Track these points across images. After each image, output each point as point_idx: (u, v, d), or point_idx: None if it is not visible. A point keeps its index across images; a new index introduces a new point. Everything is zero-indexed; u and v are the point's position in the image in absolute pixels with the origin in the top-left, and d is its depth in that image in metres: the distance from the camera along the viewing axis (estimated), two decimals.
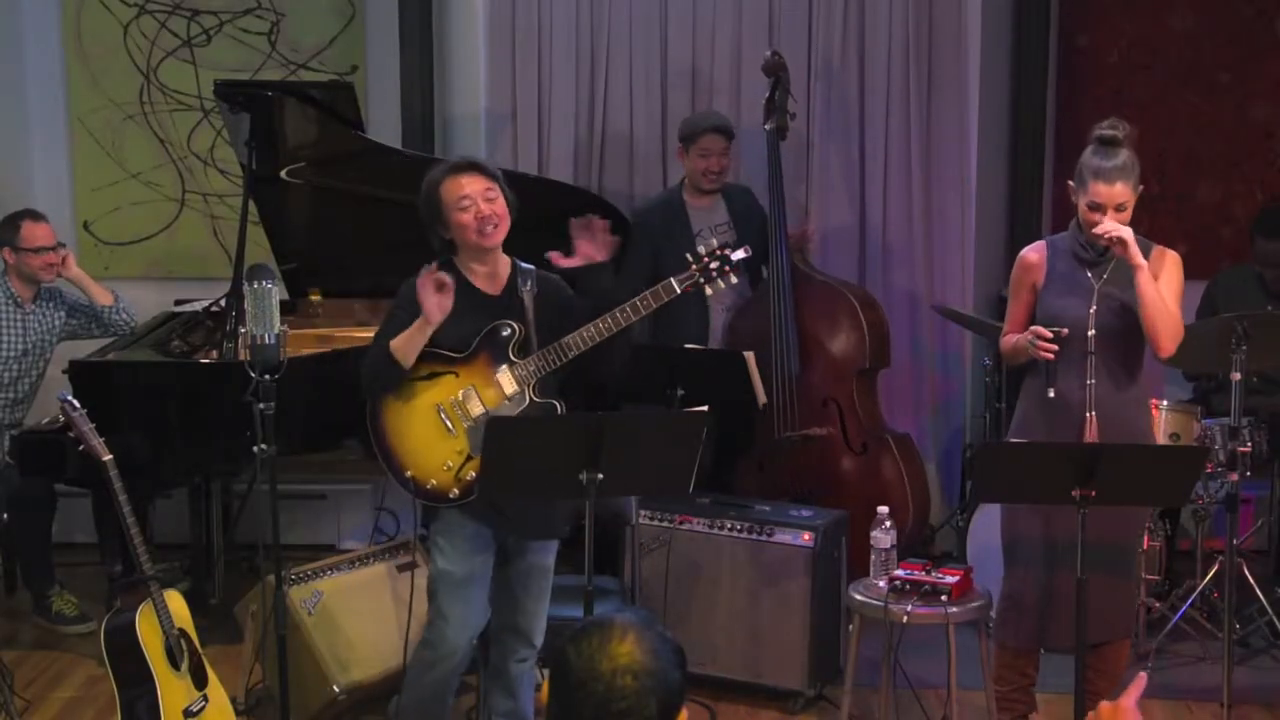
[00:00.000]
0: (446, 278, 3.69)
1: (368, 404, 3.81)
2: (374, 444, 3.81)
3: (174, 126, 6.20)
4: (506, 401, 3.77)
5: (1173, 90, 5.98)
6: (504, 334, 3.78)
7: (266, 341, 3.74)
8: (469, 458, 3.75)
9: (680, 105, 5.93)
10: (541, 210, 5.30)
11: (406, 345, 3.71)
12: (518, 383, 3.77)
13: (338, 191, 5.35)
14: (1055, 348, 3.88)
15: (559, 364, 3.76)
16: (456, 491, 3.77)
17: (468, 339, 3.77)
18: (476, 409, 3.76)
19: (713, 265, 3.80)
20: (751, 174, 5.80)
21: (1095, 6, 5.99)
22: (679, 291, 3.79)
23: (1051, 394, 3.91)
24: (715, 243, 3.84)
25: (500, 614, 3.96)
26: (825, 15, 5.88)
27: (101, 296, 5.59)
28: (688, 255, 3.83)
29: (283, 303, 3.96)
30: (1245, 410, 4.48)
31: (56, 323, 5.57)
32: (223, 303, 5.30)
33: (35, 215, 5.48)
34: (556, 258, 3.82)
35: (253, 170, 5.11)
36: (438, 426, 3.77)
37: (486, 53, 6.06)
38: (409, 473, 3.78)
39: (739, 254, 3.82)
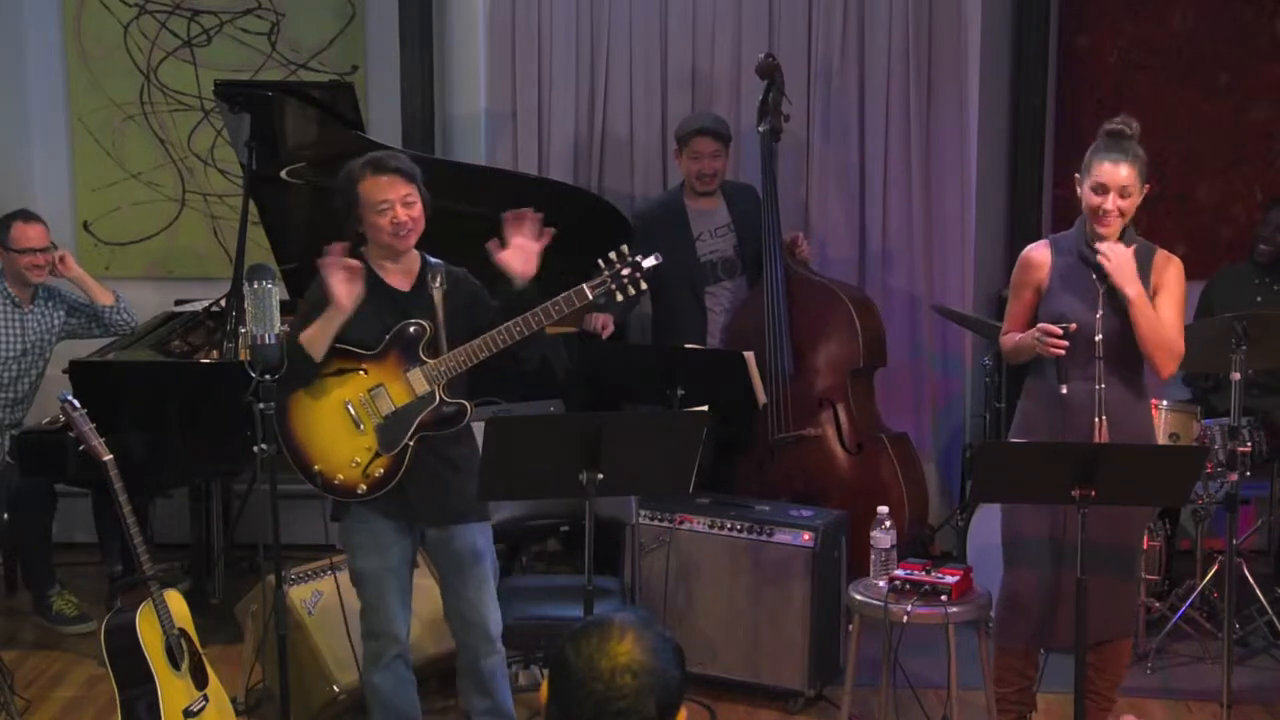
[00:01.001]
0: (354, 262, 3.69)
1: (275, 399, 3.77)
2: (280, 438, 3.78)
3: (174, 126, 6.20)
4: (417, 400, 3.77)
5: (1173, 90, 5.98)
6: (412, 331, 3.77)
7: (267, 341, 3.73)
8: (377, 454, 3.76)
9: (680, 106, 5.93)
10: (541, 210, 5.31)
11: (317, 336, 3.70)
12: (428, 382, 3.77)
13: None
14: (1065, 344, 3.87)
15: (469, 365, 3.76)
16: (364, 488, 3.77)
17: (377, 336, 3.77)
18: (386, 407, 3.77)
19: (624, 272, 3.77)
20: (752, 175, 5.80)
21: (1095, 6, 5.99)
22: (590, 298, 3.77)
23: (1064, 390, 3.90)
24: (626, 249, 3.81)
25: (450, 615, 3.97)
26: (825, 16, 5.88)
27: (102, 296, 5.59)
28: (599, 261, 3.81)
29: (283, 303, 3.96)
30: (1244, 410, 4.48)
31: (55, 322, 5.57)
32: (223, 303, 5.31)
33: (28, 216, 5.48)
34: (495, 247, 3.80)
35: (253, 170, 5.11)
36: (345, 423, 3.76)
37: (486, 53, 6.06)
38: (316, 467, 3.78)
39: (649, 261, 3.79)
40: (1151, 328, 3.86)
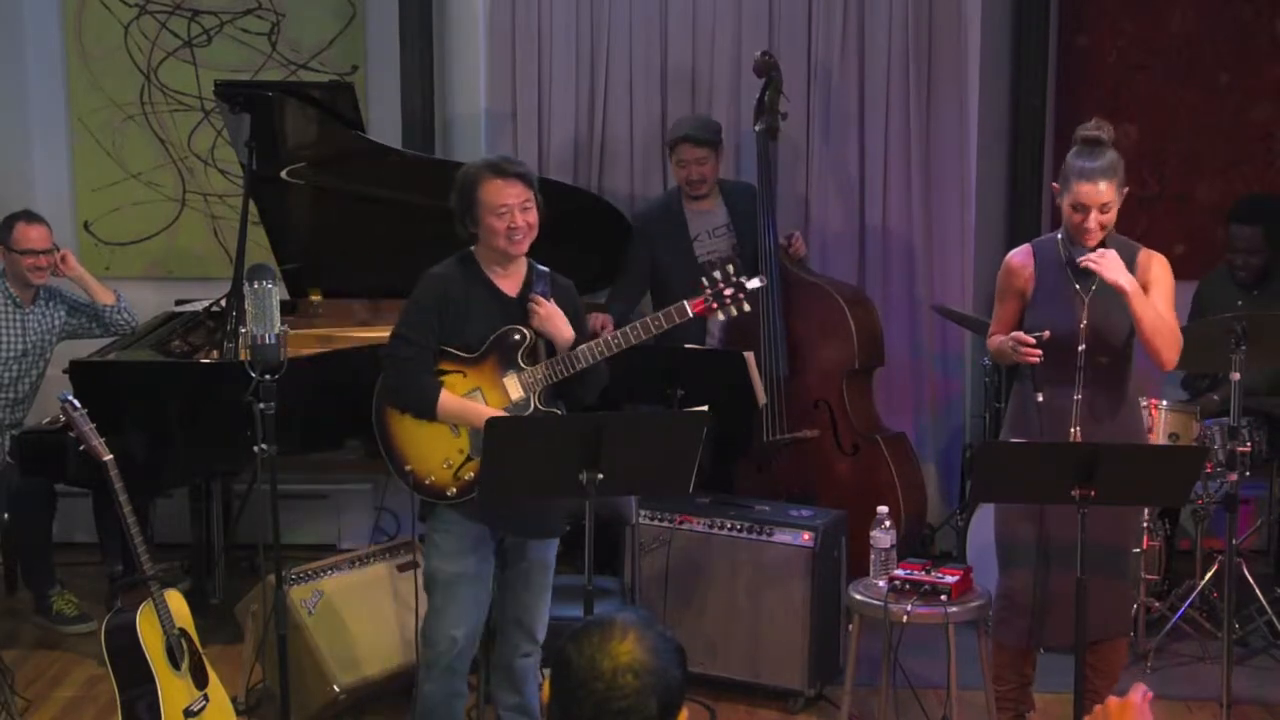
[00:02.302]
0: None
1: (375, 398, 3.83)
2: (377, 436, 3.83)
3: (174, 127, 6.21)
4: (511, 406, 3.79)
5: (1173, 90, 5.99)
6: (514, 338, 3.80)
7: (267, 341, 3.74)
8: (469, 458, 3.77)
9: (679, 106, 5.93)
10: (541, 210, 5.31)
11: (454, 413, 3.75)
12: (524, 389, 3.80)
13: (338, 191, 5.35)
14: (1039, 352, 3.88)
15: (566, 374, 3.80)
16: (454, 490, 3.79)
17: (481, 338, 3.79)
18: None
19: (726, 292, 3.84)
20: (754, 175, 5.79)
21: (1095, 6, 5.99)
22: (690, 315, 3.84)
23: (1040, 398, 3.91)
24: (732, 269, 3.86)
25: (503, 610, 3.98)
26: (824, 16, 5.88)
27: (103, 295, 5.60)
28: (703, 280, 3.86)
29: (283, 303, 3.96)
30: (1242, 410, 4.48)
31: (56, 322, 5.58)
32: (223, 303, 5.31)
33: (31, 217, 5.48)
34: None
35: (253, 170, 5.11)
36: (441, 425, 3.78)
37: (486, 53, 6.06)
38: (409, 467, 3.81)
39: (754, 283, 3.85)
40: (1152, 319, 3.83)
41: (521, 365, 3.80)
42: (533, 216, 3.78)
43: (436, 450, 3.79)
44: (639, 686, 1.93)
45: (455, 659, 3.89)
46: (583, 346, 3.79)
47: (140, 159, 6.23)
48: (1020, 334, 3.91)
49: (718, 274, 3.85)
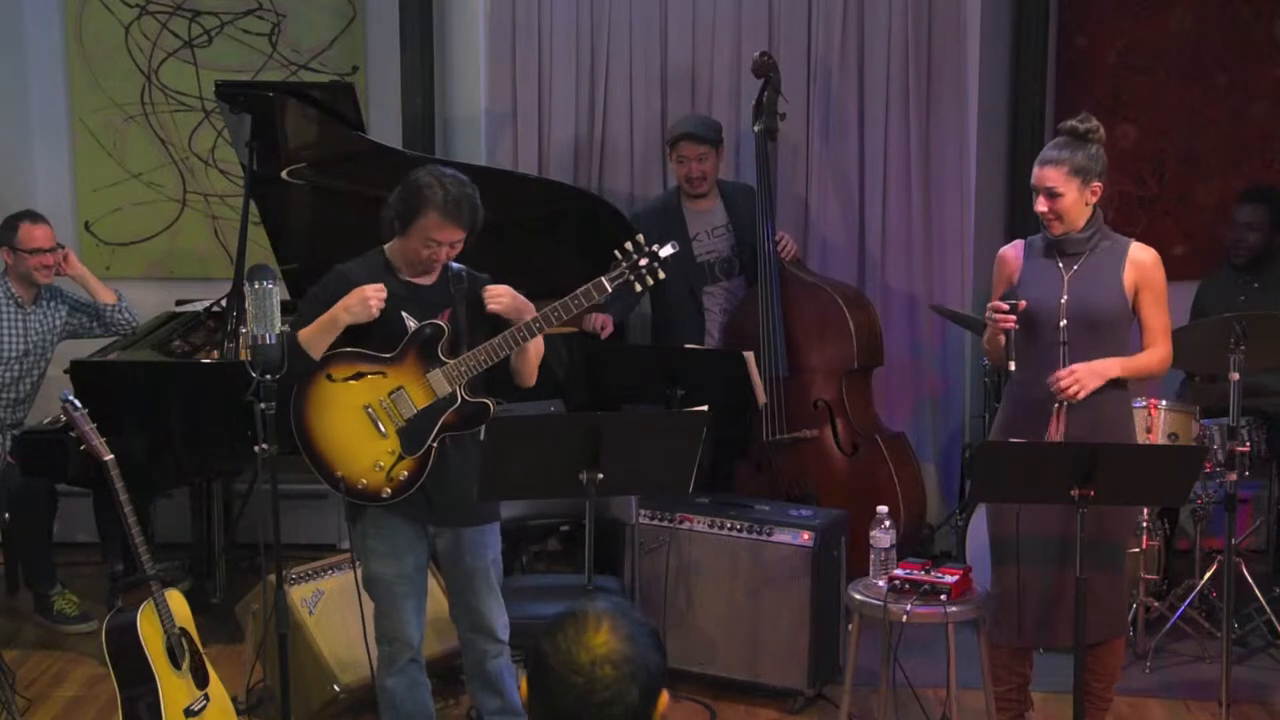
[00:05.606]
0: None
1: (291, 405, 3.77)
2: (300, 445, 3.78)
3: (175, 127, 6.21)
4: (439, 401, 3.76)
5: (1172, 90, 5.99)
6: (429, 333, 3.77)
7: (267, 341, 3.74)
8: (401, 457, 3.75)
9: (679, 106, 5.93)
10: (541, 210, 5.34)
11: (314, 339, 3.72)
12: (449, 383, 3.76)
13: (339, 192, 5.35)
14: (1013, 319, 3.88)
15: (490, 364, 3.76)
16: (389, 491, 3.76)
17: (397, 336, 3.76)
18: (408, 409, 3.76)
19: (642, 262, 3.78)
20: (753, 175, 5.80)
21: (1094, 6, 5.99)
22: (609, 290, 3.77)
23: (1012, 366, 3.90)
24: (643, 239, 3.80)
25: (459, 619, 3.99)
26: (824, 16, 5.89)
27: (104, 295, 5.61)
28: (616, 253, 3.80)
29: (284, 303, 3.95)
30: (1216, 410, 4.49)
31: (57, 322, 5.59)
32: (224, 303, 5.31)
33: (34, 217, 5.49)
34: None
35: (254, 171, 5.12)
36: (366, 427, 3.75)
37: (486, 53, 6.07)
38: (339, 473, 3.77)
39: (666, 250, 3.79)
40: (1135, 370, 3.91)
41: (443, 359, 3.76)
42: (457, 250, 3.77)
43: (365, 453, 3.75)
44: (618, 676, 1.91)
45: (418, 653, 3.92)
46: (504, 333, 3.73)
47: (141, 159, 6.24)
48: (996, 302, 3.92)
49: (629, 245, 3.78)
